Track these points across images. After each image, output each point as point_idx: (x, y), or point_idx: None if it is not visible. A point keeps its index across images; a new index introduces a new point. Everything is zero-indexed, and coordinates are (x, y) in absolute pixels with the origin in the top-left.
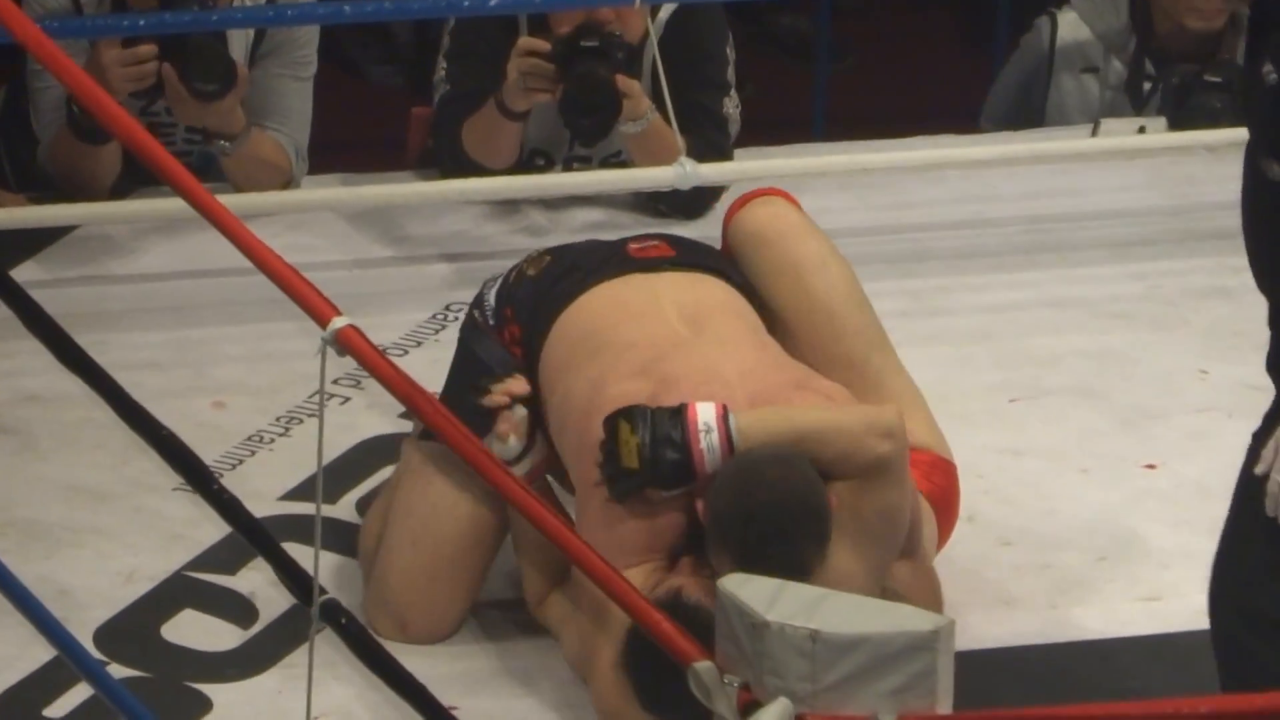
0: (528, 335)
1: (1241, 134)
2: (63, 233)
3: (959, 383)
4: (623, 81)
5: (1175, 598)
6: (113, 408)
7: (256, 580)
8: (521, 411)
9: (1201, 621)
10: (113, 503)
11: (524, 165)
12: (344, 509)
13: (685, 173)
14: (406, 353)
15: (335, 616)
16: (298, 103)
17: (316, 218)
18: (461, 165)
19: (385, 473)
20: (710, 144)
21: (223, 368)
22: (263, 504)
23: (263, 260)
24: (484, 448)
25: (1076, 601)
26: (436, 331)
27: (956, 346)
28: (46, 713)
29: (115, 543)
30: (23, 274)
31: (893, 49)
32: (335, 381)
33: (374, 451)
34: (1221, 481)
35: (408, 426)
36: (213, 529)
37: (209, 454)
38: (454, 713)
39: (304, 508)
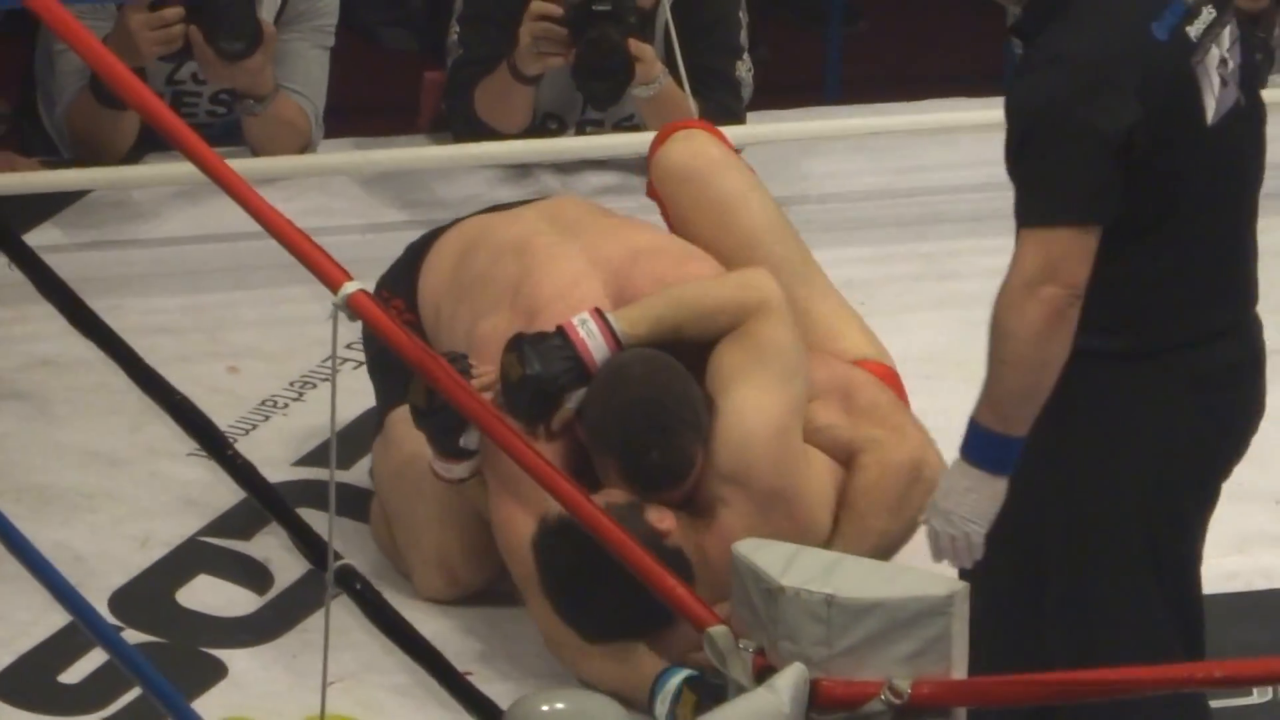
0: (409, 303)
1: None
2: (77, 197)
3: (972, 346)
4: (635, 45)
5: None
6: (127, 373)
7: (271, 545)
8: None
9: None
10: (127, 468)
11: (536, 129)
12: (358, 474)
13: None
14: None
15: (350, 582)
16: (317, 70)
17: (330, 182)
18: (474, 129)
19: None
20: (723, 107)
21: (237, 332)
22: (277, 469)
23: (274, 225)
24: (492, 407)
25: None
26: None
27: (969, 310)
28: (62, 678)
29: (130, 508)
30: (37, 238)
31: (905, 12)
32: (348, 346)
33: None
34: None
35: None
36: (227, 494)
37: (223, 419)
38: (468, 678)
39: (318, 473)
